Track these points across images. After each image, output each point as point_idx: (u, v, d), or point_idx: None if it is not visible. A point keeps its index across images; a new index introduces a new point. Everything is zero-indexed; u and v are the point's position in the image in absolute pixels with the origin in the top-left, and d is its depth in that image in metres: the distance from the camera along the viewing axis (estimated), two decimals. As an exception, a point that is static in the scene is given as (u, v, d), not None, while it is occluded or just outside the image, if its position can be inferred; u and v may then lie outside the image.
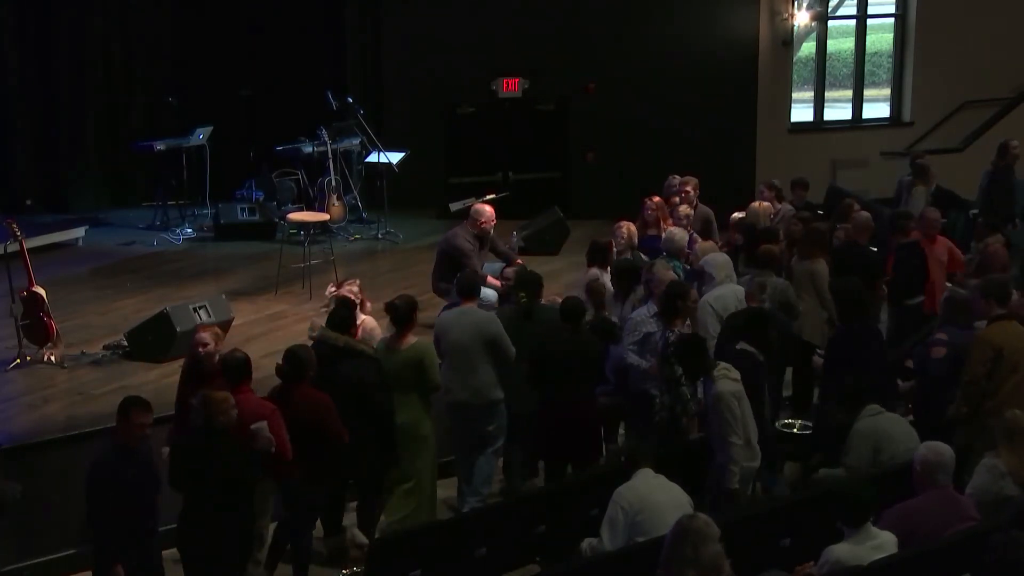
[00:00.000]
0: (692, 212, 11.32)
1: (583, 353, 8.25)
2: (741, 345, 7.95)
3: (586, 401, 8.33)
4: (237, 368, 7.35)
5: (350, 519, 8.39)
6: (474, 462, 8.55)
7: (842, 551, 5.90)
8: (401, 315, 8.13)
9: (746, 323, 8.20)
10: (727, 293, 9.18)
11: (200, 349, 7.80)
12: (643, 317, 8.39)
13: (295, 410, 7.29)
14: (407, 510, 8.18)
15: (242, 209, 14.35)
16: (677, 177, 12.15)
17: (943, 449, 6.43)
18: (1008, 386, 7.70)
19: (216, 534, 6.80)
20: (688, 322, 8.58)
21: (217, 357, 7.67)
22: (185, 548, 6.98)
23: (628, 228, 10.18)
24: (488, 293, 10.10)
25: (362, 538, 8.18)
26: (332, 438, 7.40)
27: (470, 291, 8.70)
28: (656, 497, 6.46)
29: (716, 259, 9.61)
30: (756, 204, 11.75)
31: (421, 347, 8.15)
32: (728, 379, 7.28)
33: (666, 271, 8.86)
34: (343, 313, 8.09)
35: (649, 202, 11.21)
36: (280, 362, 7.56)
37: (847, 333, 8.46)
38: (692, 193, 11.75)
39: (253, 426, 7.02)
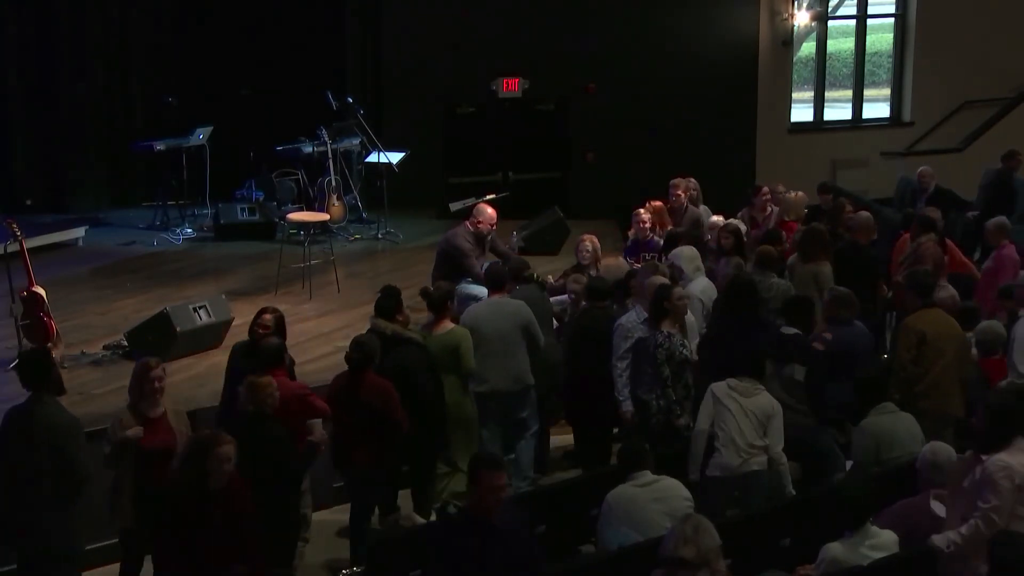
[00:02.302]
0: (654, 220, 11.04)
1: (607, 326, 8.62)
2: (787, 329, 8.09)
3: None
4: (275, 354, 7.60)
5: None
6: (514, 449, 8.75)
7: (839, 549, 5.90)
8: (436, 302, 8.43)
9: (792, 308, 8.32)
10: (708, 286, 9.28)
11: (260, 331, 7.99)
12: (633, 323, 8.35)
13: (362, 396, 7.56)
14: (460, 489, 8.30)
15: (242, 209, 14.34)
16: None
17: (941, 449, 6.43)
18: (936, 370, 8.05)
19: (266, 516, 6.83)
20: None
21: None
22: None
23: (592, 242, 10.13)
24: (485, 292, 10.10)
25: (420, 520, 8.40)
26: (396, 424, 7.63)
27: (501, 283, 8.89)
28: (646, 511, 6.44)
29: (683, 252, 9.64)
30: (791, 194, 11.82)
31: (458, 333, 8.38)
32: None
33: (655, 277, 8.79)
34: (388, 302, 8.30)
35: (649, 206, 11.11)
36: (348, 350, 7.75)
37: (726, 320, 8.52)
38: (683, 197, 11.62)
39: (310, 421, 7.37)
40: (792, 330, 8.15)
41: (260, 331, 7.97)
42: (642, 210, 10.89)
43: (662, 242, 10.61)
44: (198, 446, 6.28)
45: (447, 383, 8.32)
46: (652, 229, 10.92)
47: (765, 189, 12.14)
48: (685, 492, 6.65)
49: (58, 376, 7.07)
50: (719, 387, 7.46)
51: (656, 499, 6.52)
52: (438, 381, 8.27)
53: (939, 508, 6.20)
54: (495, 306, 8.74)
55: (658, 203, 11.31)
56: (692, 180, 12.03)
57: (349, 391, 7.64)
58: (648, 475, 6.60)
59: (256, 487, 6.75)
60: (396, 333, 8.13)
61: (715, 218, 11.16)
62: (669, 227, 11.08)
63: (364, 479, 7.80)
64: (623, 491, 6.57)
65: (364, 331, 8.45)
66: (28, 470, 6.70)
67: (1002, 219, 10.98)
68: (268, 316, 8.09)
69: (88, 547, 7.44)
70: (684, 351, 8.08)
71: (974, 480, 5.95)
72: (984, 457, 5.96)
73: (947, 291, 9.03)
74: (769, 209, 11.86)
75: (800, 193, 11.98)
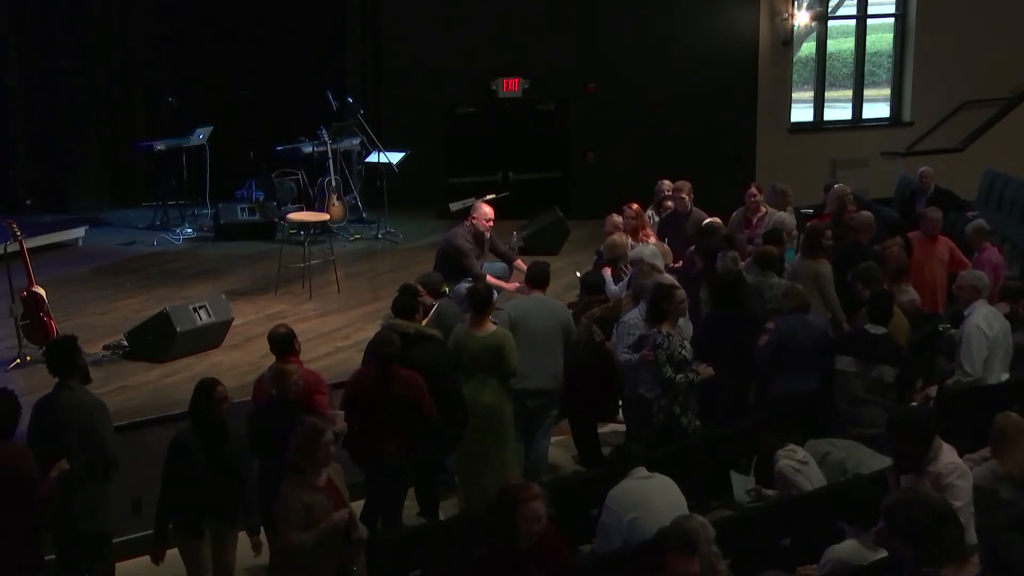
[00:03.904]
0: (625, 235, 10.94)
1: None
2: (873, 328, 8.13)
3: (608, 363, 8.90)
4: (282, 342, 7.73)
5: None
6: (535, 448, 8.77)
7: (845, 551, 5.88)
8: (481, 300, 8.41)
9: (878, 305, 8.34)
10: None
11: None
12: (635, 320, 8.41)
13: (394, 388, 7.59)
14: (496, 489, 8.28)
15: (242, 209, 14.35)
16: (667, 182, 12.05)
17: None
18: None
19: None
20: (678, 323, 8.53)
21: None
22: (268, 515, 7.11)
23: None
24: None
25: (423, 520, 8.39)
26: (426, 415, 7.66)
27: (544, 280, 8.94)
28: (651, 499, 6.48)
29: (643, 251, 9.67)
30: (836, 186, 12.00)
31: (501, 335, 8.34)
32: (789, 460, 7.22)
33: (650, 274, 8.84)
34: (408, 301, 8.31)
35: (628, 210, 10.99)
36: (379, 346, 7.78)
37: (713, 318, 8.65)
38: (687, 200, 11.46)
39: (332, 412, 7.53)
40: (880, 329, 8.15)
41: (224, 404, 7.10)
42: (616, 215, 10.80)
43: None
44: (503, 502, 5.56)
45: (488, 383, 8.25)
46: (635, 233, 10.83)
47: (753, 190, 12.05)
48: (678, 491, 6.69)
49: (84, 364, 7.14)
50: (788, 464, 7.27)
51: (659, 491, 6.58)
52: (459, 377, 8.25)
53: None
54: (541, 303, 8.79)
55: (636, 206, 11.20)
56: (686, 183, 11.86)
57: (378, 384, 7.63)
58: (644, 471, 6.68)
59: (277, 471, 6.81)
60: (419, 331, 8.13)
61: (709, 220, 11.06)
62: (648, 230, 11.01)
63: (394, 471, 7.77)
64: (627, 484, 6.61)
65: (365, 331, 8.46)
66: (59, 455, 6.75)
67: (981, 222, 11.02)
68: (221, 387, 7.12)
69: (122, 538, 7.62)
70: (683, 351, 8.08)
71: None
72: (930, 469, 5.87)
73: (908, 295, 9.26)
74: (764, 210, 11.81)
75: (844, 187, 12.09)
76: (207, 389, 6.98)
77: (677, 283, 8.75)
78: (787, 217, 11.49)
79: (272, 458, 6.96)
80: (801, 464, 7.18)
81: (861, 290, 8.83)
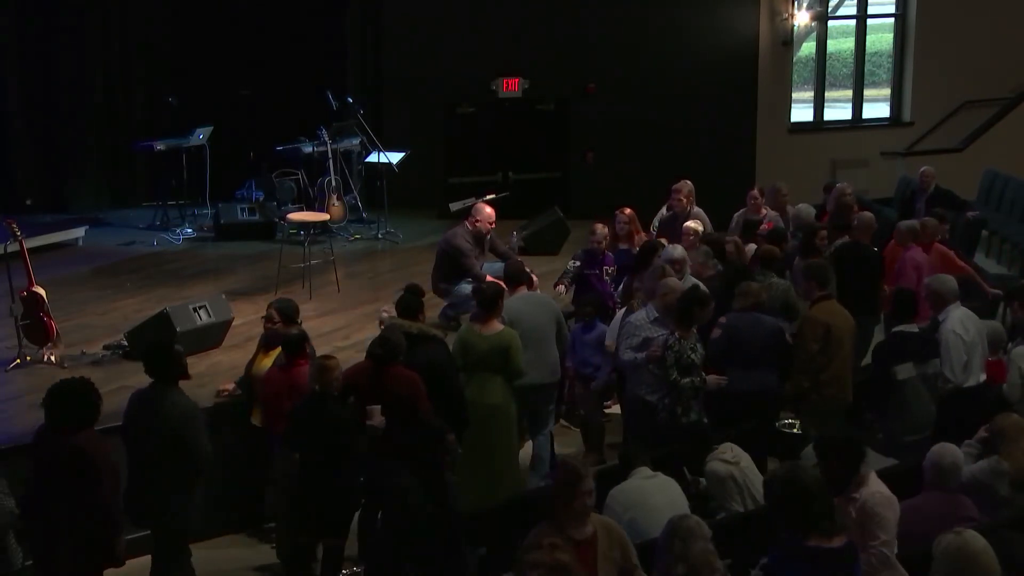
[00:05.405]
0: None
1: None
2: (907, 327, 8.18)
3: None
4: (292, 343, 7.98)
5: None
6: (537, 446, 8.83)
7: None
8: (487, 300, 8.46)
9: (900, 303, 8.42)
10: None
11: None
12: (641, 322, 8.39)
13: (390, 388, 7.62)
14: (502, 489, 8.32)
15: (242, 209, 14.34)
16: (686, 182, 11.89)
17: (947, 451, 6.42)
18: (838, 360, 8.37)
19: (326, 492, 7.07)
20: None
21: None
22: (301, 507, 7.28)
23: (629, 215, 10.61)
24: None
25: None
26: (425, 414, 7.65)
27: (521, 278, 9.03)
28: (651, 498, 6.50)
29: (674, 252, 9.62)
30: (837, 186, 12.13)
31: (508, 335, 8.40)
32: (719, 460, 7.16)
33: (663, 275, 8.79)
34: (412, 301, 8.37)
35: (620, 215, 10.97)
36: (373, 346, 7.82)
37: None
38: (685, 201, 11.38)
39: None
40: (913, 327, 8.19)
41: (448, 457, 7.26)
42: (602, 225, 10.75)
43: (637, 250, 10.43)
44: None
45: (493, 383, 8.30)
46: (629, 237, 10.82)
47: (754, 192, 12.03)
48: (680, 491, 6.74)
49: (183, 365, 7.20)
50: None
51: (660, 490, 6.62)
52: (459, 377, 8.27)
53: None
54: (529, 300, 8.90)
55: (629, 210, 11.14)
56: (688, 183, 11.82)
57: (375, 383, 7.64)
58: (647, 471, 6.71)
59: (318, 465, 7.02)
60: (422, 331, 8.15)
61: (689, 223, 10.93)
62: (641, 235, 11.00)
63: (395, 475, 7.75)
64: (628, 484, 6.65)
65: (365, 331, 8.47)
66: (151, 454, 6.90)
67: (912, 222, 11.06)
68: (451, 435, 7.41)
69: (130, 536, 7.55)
70: (693, 355, 8.06)
71: (851, 520, 5.71)
72: (855, 495, 5.80)
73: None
74: (765, 212, 11.80)
75: (844, 184, 12.14)
76: (441, 440, 7.09)
77: (709, 294, 8.74)
78: (804, 209, 11.57)
79: (313, 453, 7.11)
80: (731, 464, 7.12)
81: (815, 288, 8.67)
